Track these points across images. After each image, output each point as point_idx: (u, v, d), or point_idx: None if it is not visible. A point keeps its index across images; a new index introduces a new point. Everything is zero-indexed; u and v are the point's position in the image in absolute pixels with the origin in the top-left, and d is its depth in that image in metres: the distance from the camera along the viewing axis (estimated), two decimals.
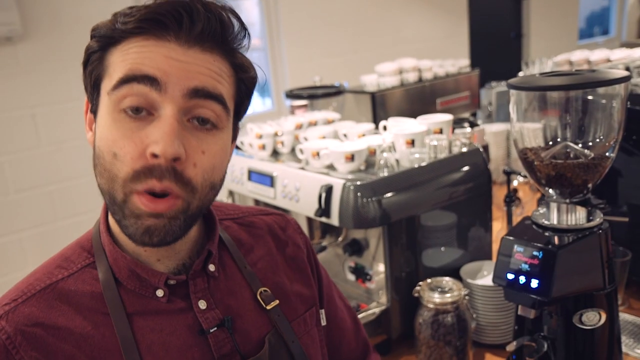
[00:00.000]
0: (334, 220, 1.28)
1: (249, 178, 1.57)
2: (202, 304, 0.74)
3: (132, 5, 0.67)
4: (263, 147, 1.61)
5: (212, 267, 0.77)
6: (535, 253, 0.92)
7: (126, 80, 0.63)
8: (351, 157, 1.34)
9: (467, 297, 1.24)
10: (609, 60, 2.37)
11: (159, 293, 0.72)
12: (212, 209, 0.81)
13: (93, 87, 0.68)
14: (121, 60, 0.64)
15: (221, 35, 0.67)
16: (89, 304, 0.69)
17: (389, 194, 1.25)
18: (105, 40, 0.66)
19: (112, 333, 0.69)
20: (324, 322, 0.91)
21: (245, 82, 0.73)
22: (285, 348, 0.80)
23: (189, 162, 0.65)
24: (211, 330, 0.73)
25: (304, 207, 1.36)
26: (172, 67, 0.64)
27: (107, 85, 0.66)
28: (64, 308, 0.68)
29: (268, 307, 0.80)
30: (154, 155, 0.62)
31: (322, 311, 0.92)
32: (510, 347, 0.98)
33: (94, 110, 0.69)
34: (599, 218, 0.95)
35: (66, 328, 0.67)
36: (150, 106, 0.64)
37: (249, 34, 0.70)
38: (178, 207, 0.66)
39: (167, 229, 0.66)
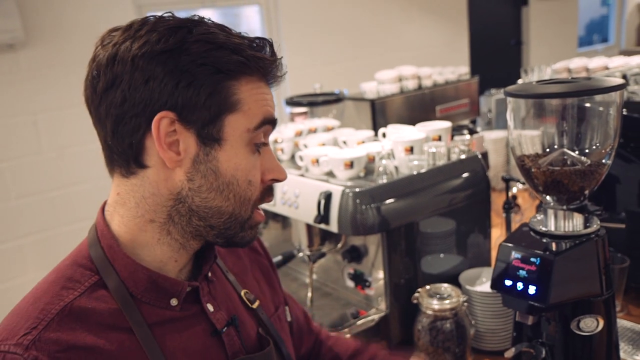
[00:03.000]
0: (333, 227, 1.28)
1: None
2: (210, 307, 0.78)
3: (246, 40, 0.72)
4: None
5: (209, 272, 0.82)
6: (532, 259, 0.93)
7: (265, 123, 0.73)
8: (350, 164, 1.34)
9: (465, 304, 1.24)
10: (607, 68, 2.38)
11: (173, 302, 0.74)
12: None
13: (212, 117, 0.69)
14: (254, 101, 0.72)
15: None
16: (108, 321, 0.69)
17: (388, 201, 1.26)
18: (230, 73, 0.69)
19: (138, 346, 0.70)
20: (289, 318, 0.98)
21: None
22: (274, 343, 0.85)
23: None
24: (224, 330, 0.78)
25: (303, 213, 1.36)
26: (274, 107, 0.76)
27: (242, 121, 0.71)
28: (87, 327, 0.68)
29: (254, 307, 0.86)
30: (276, 180, 0.77)
31: (287, 308, 0.99)
32: (509, 354, 0.98)
33: (212, 139, 0.70)
34: (595, 225, 0.96)
35: (96, 347, 0.67)
36: None
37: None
38: None
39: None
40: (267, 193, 0.78)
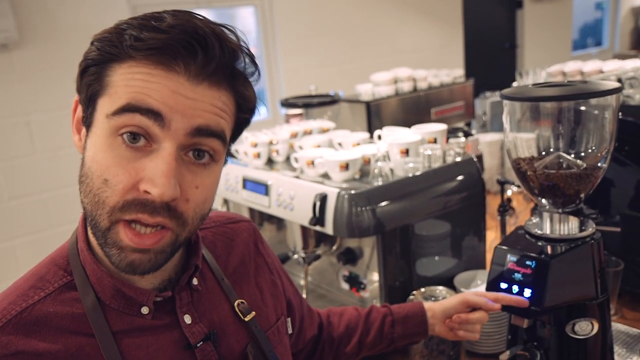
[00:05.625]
0: (329, 229, 1.28)
1: (244, 186, 1.57)
2: (188, 319, 0.73)
3: (141, 20, 0.62)
4: (258, 155, 1.61)
5: (195, 281, 0.76)
6: (528, 262, 0.93)
7: (129, 109, 0.60)
8: (346, 166, 1.34)
9: None
10: (601, 72, 2.39)
11: (144, 310, 0.70)
12: None
13: (88, 99, 0.65)
14: (125, 84, 0.61)
15: (232, 72, 0.66)
16: (70, 326, 0.67)
17: (383, 203, 1.26)
18: (108, 55, 0.62)
19: (98, 353, 0.66)
20: (290, 330, 0.93)
21: (246, 114, 0.72)
22: (264, 359, 0.80)
23: (182, 197, 0.64)
24: (198, 345, 0.73)
25: (299, 215, 1.36)
26: (178, 104, 0.61)
27: (106, 105, 0.62)
28: (44, 332, 0.65)
29: (246, 319, 0.80)
30: (148, 193, 0.61)
31: (289, 320, 0.94)
32: (504, 357, 0.98)
33: (86, 123, 0.66)
34: (591, 228, 0.96)
35: (49, 353, 0.64)
36: (150, 138, 0.62)
37: (258, 70, 0.69)
38: (167, 240, 0.64)
39: (152, 262, 0.65)
40: (139, 207, 0.61)
